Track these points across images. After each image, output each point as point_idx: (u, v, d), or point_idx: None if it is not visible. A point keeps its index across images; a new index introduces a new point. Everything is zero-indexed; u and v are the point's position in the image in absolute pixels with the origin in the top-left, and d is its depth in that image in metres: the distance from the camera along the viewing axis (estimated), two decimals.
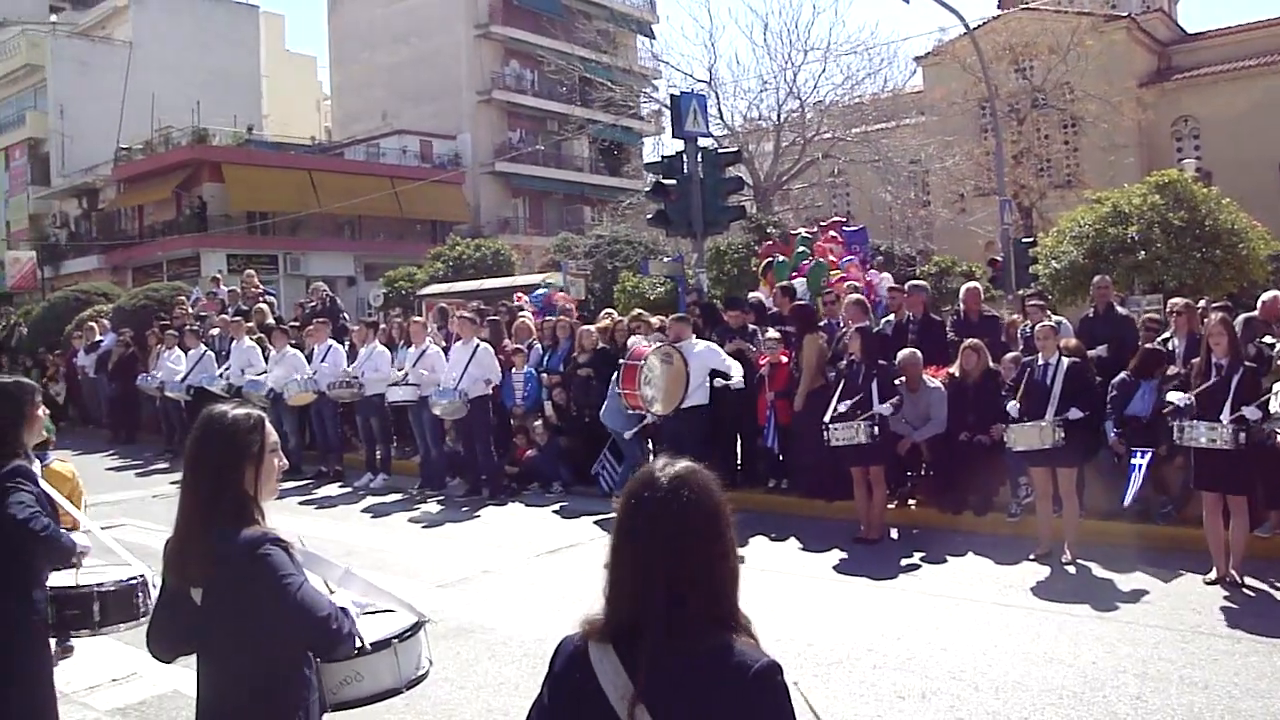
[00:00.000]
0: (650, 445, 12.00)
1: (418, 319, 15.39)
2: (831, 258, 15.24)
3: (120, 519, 10.93)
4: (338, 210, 42.46)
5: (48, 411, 4.69)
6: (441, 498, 13.01)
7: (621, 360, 11.39)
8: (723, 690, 2.02)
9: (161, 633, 3.13)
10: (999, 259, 21.92)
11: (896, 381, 10.01)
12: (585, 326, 13.71)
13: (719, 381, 11.04)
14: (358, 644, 3.16)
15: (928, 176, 35.06)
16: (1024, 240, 22.56)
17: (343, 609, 3.07)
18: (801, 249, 16.34)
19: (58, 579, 4.39)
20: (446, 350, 13.76)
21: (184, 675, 6.52)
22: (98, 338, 20.55)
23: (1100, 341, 10.67)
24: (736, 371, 11.09)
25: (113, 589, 4.50)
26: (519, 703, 5.97)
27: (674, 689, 2.04)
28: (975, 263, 25.77)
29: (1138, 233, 16.16)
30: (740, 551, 2.21)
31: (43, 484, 4.38)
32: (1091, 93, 33.66)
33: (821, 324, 11.86)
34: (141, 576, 4.58)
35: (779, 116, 32.66)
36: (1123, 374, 9.86)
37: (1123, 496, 8.81)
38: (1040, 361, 9.05)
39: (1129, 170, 29.67)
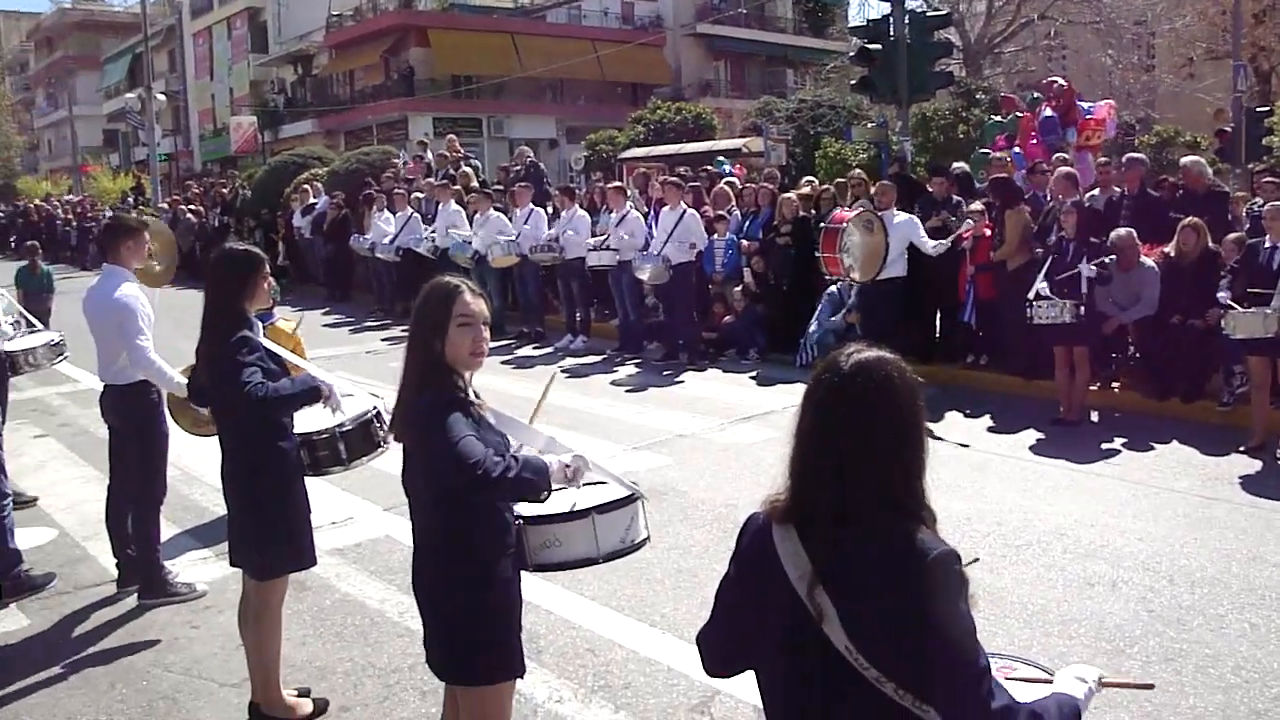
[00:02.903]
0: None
1: (618, 184, 15.52)
2: (1033, 141, 14.61)
3: (335, 373, 11.61)
4: (540, 74, 42.77)
5: (272, 283, 5.01)
6: (639, 361, 13.29)
7: (822, 224, 11.29)
8: (898, 576, 2.04)
9: (404, 482, 3.43)
10: (1228, 129, 20.43)
11: (1107, 260, 9.60)
12: (786, 194, 13.58)
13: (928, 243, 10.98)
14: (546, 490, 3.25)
15: (1153, 39, 32.63)
16: (1259, 110, 20.91)
17: (515, 456, 3.19)
18: (1013, 116, 15.72)
19: (303, 426, 4.81)
20: (646, 216, 13.93)
21: (395, 521, 7.05)
22: (312, 200, 21.51)
23: None
24: (930, 246, 10.97)
25: (351, 427, 4.92)
26: (708, 565, 6.20)
27: (851, 572, 2.08)
28: (1201, 133, 24.10)
29: None
30: (932, 427, 2.21)
31: (267, 342, 4.73)
32: None
33: (1027, 196, 11.44)
34: (375, 409, 4.96)
35: None
36: None
37: None
38: (1267, 244, 8.51)
39: None
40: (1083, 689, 2.26)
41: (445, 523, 3.26)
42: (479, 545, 3.27)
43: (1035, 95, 16.08)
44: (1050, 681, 2.37)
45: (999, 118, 16.85)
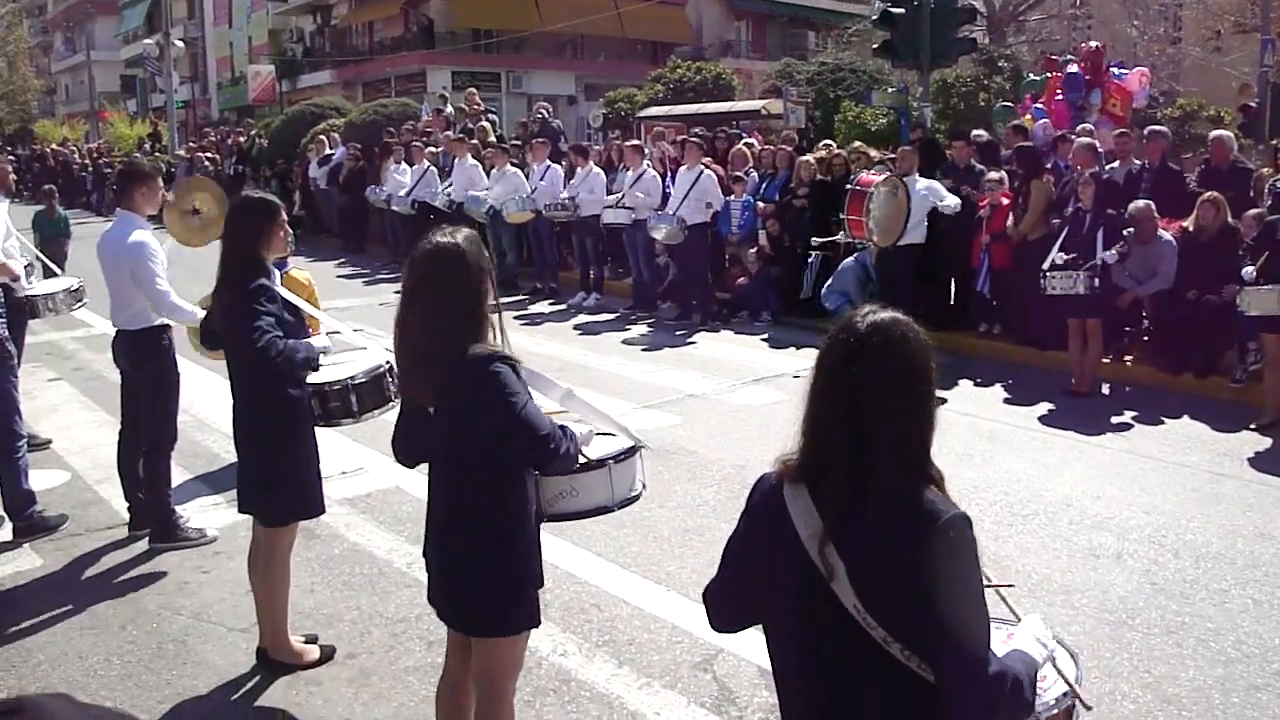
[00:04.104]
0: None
1: (635, 142, 15.47)
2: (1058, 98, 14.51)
3: (348, 324, 11.65)
4: (560, 29, 42.47)
5: (289, 231, 5.03)
6: (652, 320, 13.30)
7: (849, 186, 11.23)
8: (909, 537, 2.06)
9: (404, 442, 3.46)
10: (1253, 104, 20.18)
11: (1125, 233, 9.55)
12: (804, 157, 13.51)
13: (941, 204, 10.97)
14: (580, 460, 3.41)
15: (1181, 10, 32.22)
16: None
17: (563, 428, 3.28)
18: (1034, 79, 15.60)
19: (315, 376, 4.83)
20: (662, 175, 13.88)
21: (405, 472, 7.06)
22: (328, 151, 21.46)
23: None
24: (952, 201, 10.96)
25: (364, 380, 4.95)
26: (715, 524, 6.23)
27: (862, 532, 2.10)
28: (1225, 108, 23.81)
29: None
30: (944, 394, 2.22)
31: (284, 291, 4.75)
32: None
33: (1049, 165, 11.36)
34: (388, 363, 4.98)
35: None
36: None
37: None
38: None
39: None
40: (1041, 654, 2.28)
41: (479, 481, 3.27)
42: (514, 498, 3.30)
43: (1069, 56, 15.98)
44: (1016, 623, 2.40)
45: (1035, 76, 16.75)
